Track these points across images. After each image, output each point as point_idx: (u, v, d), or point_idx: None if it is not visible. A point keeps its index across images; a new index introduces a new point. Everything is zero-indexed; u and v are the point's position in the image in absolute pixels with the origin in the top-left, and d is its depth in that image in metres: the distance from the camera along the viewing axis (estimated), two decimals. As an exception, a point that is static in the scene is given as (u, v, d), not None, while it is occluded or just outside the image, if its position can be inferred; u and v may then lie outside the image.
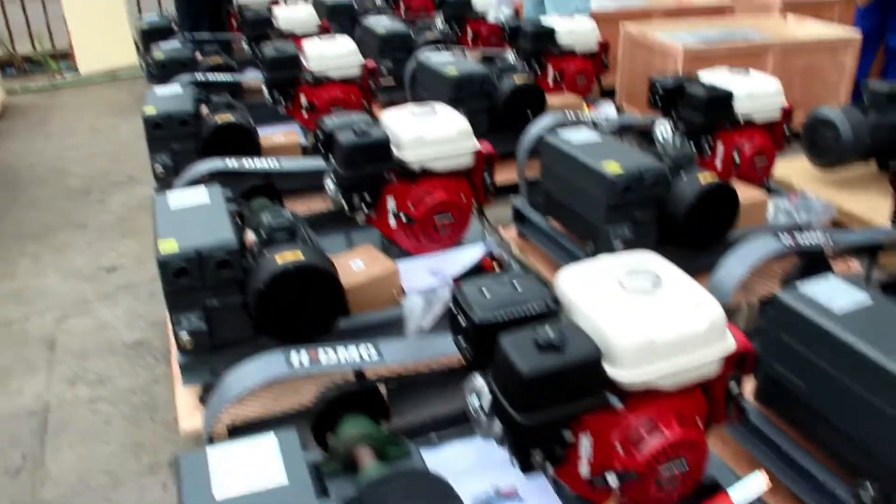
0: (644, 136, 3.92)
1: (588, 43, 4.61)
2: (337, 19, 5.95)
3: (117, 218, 4.23)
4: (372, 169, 2.71)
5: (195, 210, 2.51)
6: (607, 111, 4.50)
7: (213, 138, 3.56)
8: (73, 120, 6.00)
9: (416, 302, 2.66)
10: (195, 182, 2.95)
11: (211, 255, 2.26)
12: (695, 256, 3.13)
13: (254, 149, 3.66)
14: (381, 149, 2.70)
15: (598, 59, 4.67)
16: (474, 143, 2.87)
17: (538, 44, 4.47)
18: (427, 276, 2.83)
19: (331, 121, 2.83)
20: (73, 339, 3.16)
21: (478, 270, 2.90)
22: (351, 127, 2.73)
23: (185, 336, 2.31)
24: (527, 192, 3.47)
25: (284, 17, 5.26)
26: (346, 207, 2.78)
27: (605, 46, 4.68)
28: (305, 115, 4.11)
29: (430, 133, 2.77)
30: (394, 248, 2.98)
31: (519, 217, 3.51)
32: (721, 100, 3.34)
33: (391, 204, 2.82)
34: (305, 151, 4.04)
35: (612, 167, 2.83)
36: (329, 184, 2.86)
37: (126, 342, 3.11)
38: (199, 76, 4.32)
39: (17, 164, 5.07)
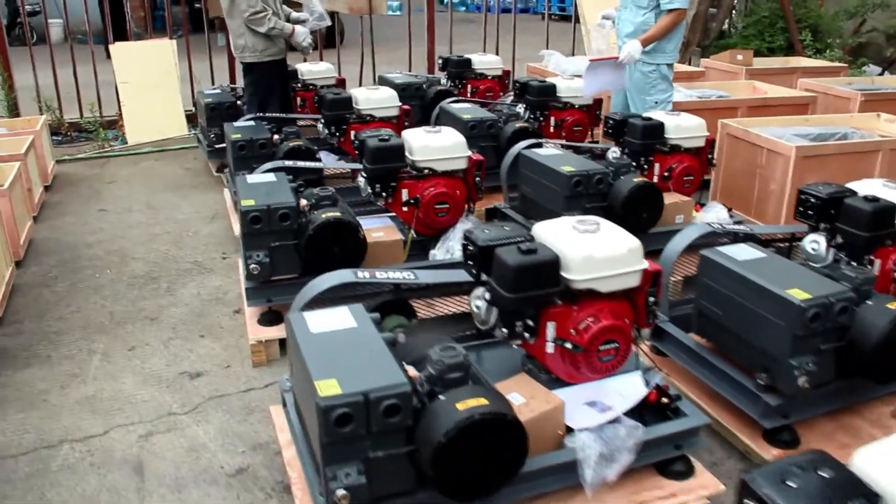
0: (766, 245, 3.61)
1: (696, 139, 4.34)
2: (406, 100, 5.73)
3: (192, 312, 3.88)
4: (540, 292, 2.37)
5: (345, 338, 2.16)
6: (718, 214, 4.22)
7: (317, 235, 3.26)
8: (127, 194, 5.71)
9: (589, 444, 2.32)
10: (320, 299, 2.60)
11: (379, 399, 1.90)
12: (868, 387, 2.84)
13: (360, 248, 3.37)
14: (551, 270, 2.37)
15: (705, 156, 4.40)
16: (643, 262, 2.54)
17: (647, 139, 4.20)
18: (588, 410, 2.47)
19: (483, 233, 2.50)
20: (163, 462, 2.77)
21: (643, 404, 2.54)
22: (515, 243, 2.40)
23: (340, 492, 1.93)
24: (668, 308, 3.14)
25: (365, 98, 5.01)
26: (504, 332, 2.44)
27: (711, 143, 4.42)
28: (405, 210, 3.80)
29: (599, 251, 2.45)
30: (542, 374, 2.63)
31: (657, 332, 3.17)
32: (887, 213, 3.04)
33: (551, 329, 2.47)
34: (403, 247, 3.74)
35: (798, 293, 2.51)
36: (479, 303, 2.52)
37: (227, 470, 2.72)
38: (289, 163, 4.02)
39: (76, 243, 4.75)
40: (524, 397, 2.38)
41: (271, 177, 3.67)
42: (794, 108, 5.78)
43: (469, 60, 6.65)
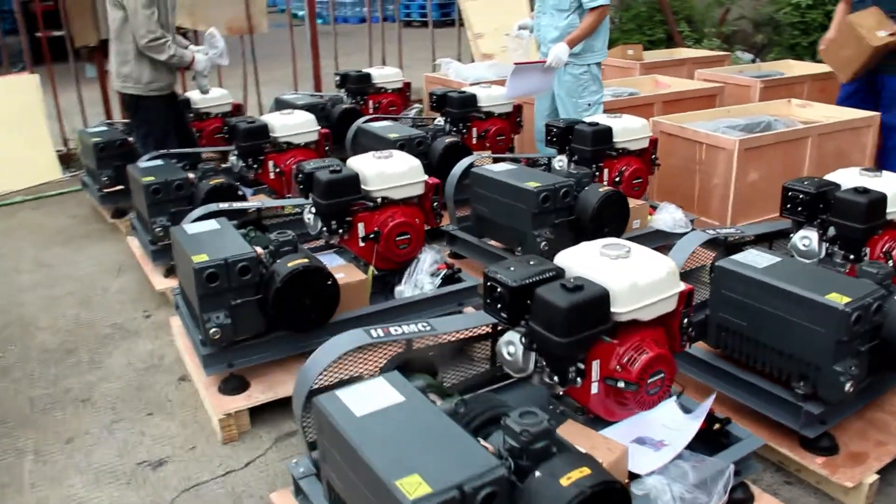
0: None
1: (641, 141, 4.24)
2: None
3: (128, 386, 3.37)
4: (593, 332, 2.12)
5: (399, 418, 1.82)
6: (674, 215, 4.15)
7: (286, 287, 2.89)
8: (9, 252, 5.00)
9: (661, 489, 2.10)
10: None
11: (476, 490, 1.59)
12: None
13: (333, 296, 3.02)
14: (601, 306, 2.13)
15: (648, 158, 4.32)
16: (680, 283, 2.35)
17: (598, 145, 4.05)
18: (643, 450, 2.25)
19: (510, 271, 2.22)
20: (150, 581, 2.32)
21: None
22: (551, 280, 2.14)
23: None
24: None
25: (282, 125, 4.60)
26: (557, 381, 2.17)
27: (654, 143, 4.33)
28: (361, 245, 3.45)
29: (642, 278, 2.23)
30: (578, 416, 2.39)
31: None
32: (879, 203, 3.02)
33: (596, 368, 2.24)
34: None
35: (838, 297, 2.40)
36: (511, 349, 2.24)
37: (232, 579, 2.31)
38: (224, 205, 3.58)
39: (-37, 320, 4.08)
40: (584, 448, 2.13)
41: (213, 224, 3.24)
42: (704, 101, 5.85)
43: (369, 75, 6.34)
